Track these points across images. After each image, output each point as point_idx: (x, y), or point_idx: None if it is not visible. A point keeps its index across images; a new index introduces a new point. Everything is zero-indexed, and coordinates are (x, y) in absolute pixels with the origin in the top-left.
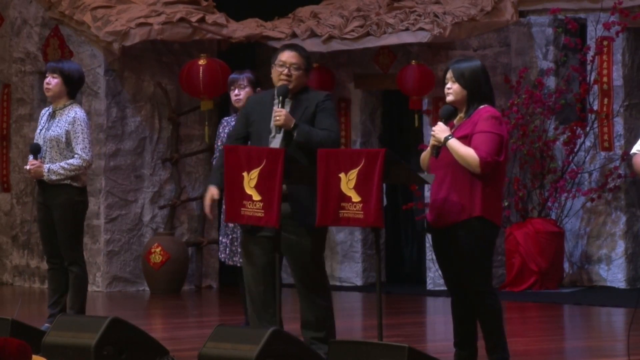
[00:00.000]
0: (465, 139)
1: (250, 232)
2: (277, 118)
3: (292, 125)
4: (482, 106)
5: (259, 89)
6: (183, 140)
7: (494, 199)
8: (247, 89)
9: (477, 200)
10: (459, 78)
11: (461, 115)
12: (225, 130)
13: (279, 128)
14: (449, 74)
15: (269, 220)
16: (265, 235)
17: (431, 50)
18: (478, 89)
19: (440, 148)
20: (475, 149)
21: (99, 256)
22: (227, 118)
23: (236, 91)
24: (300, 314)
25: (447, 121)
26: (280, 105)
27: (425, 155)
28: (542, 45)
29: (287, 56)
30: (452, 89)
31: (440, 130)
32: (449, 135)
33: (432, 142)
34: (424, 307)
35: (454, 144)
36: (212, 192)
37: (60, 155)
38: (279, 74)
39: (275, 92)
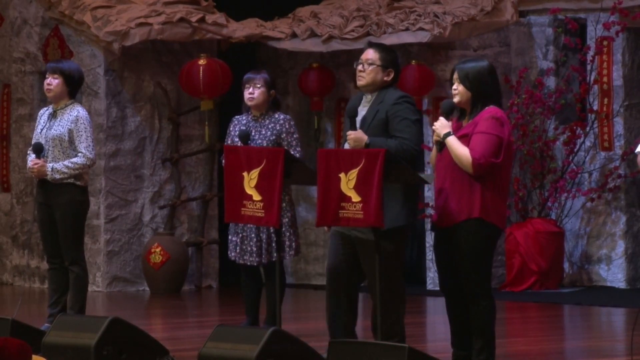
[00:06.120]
0: (466, 138)
1: None
2: (348, 141)
3: (364, 145)
4: (487, 107)
5: (273, 91)
6: (183, 140)
7: (494, 201)
8: (262, 89)
9: (476, 202)
10: (464, 79)
11: (469, 116)
12: (237, 129)
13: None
14: (455, 75)
15: (269, 220)
16: None
17: (431, 50)
18: (482, 90)
19: (443, 143)
20: (470, 149)
21: (99, 256)
22: (238, 117)
23: (251, 89)
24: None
25: (448, 116)
26: (350, 127)
27: (433, 152)
28: (542, 45)
29: (364, 53)
30: (458, 91)
31: (441, 126)
32: (449, 132)
33: (434, 137)
34: (424, 307)
35: (452, 142)
36: None
37: (63, 155)
38: (357, 74)
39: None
